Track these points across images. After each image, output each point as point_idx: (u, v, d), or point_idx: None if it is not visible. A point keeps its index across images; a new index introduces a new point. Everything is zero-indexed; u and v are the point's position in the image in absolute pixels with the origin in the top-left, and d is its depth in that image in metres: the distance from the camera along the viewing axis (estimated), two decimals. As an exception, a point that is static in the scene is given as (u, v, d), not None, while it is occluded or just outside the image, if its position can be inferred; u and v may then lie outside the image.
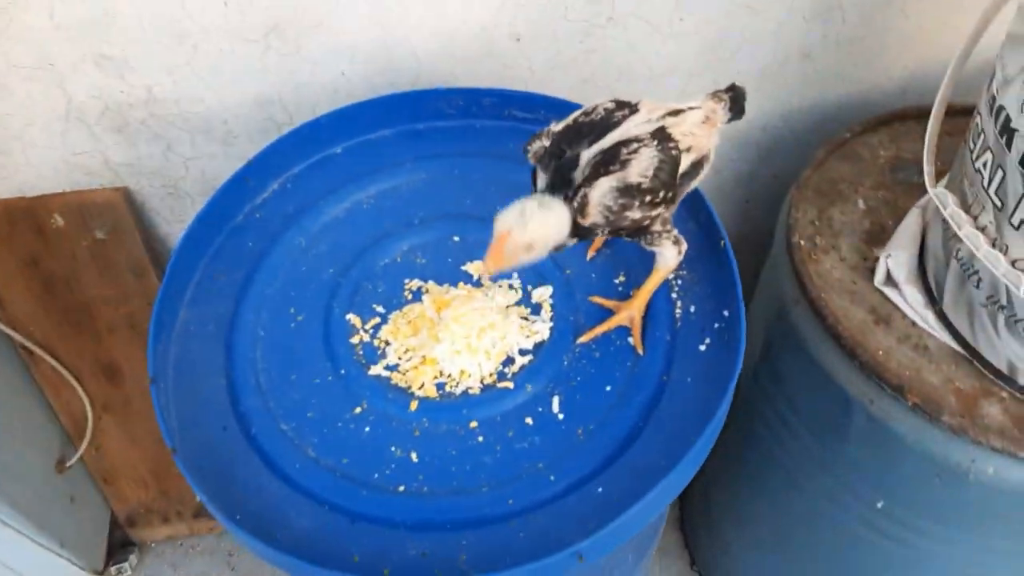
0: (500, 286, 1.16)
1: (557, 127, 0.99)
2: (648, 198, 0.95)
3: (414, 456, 1.02)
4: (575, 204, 0.93)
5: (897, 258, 1.29)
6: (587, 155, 0.95)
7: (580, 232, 0.96)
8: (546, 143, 0.98)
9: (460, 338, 1.08)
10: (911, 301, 1.27)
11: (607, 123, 0.97)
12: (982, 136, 1.10)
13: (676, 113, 1.00)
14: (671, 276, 1.17)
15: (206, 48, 1.41)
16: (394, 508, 0.97)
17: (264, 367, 1.12)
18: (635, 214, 0.95)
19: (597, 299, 1.14)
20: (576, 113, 1.00)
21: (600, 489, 0.97)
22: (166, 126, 1.52)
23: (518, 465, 0.99)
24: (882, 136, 1.53)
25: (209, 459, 1.03)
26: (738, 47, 1.52)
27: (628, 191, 0.93)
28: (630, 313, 1.11)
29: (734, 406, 1.55)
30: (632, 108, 0.99)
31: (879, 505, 1.31)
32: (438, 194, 1.30)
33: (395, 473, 1.00)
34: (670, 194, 0.97)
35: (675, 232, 1.03)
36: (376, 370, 1.09)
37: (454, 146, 1.36)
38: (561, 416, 1.04)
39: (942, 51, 1.59)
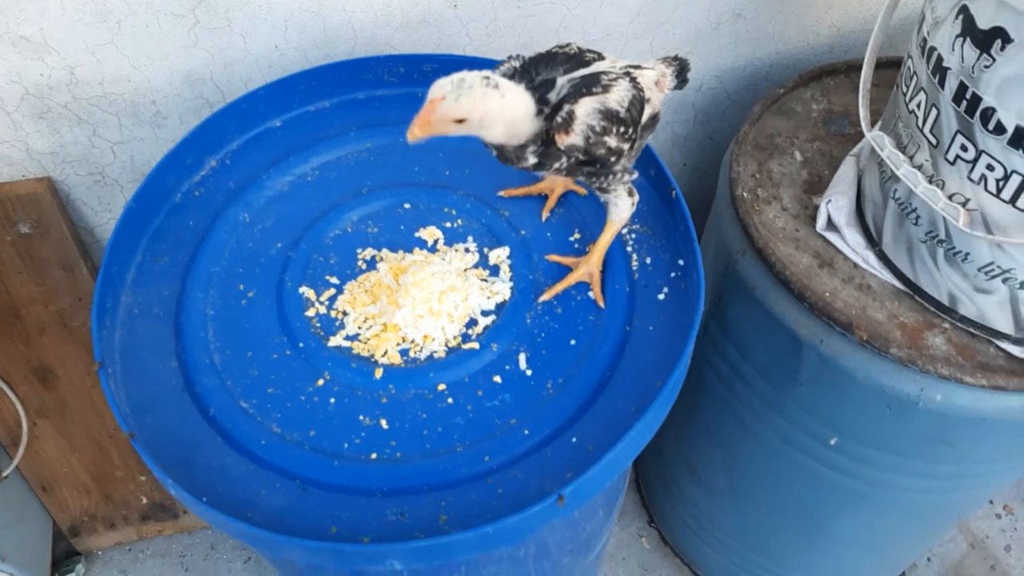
0: (456, 250, 1.15)
1: (530, 55, 0.98)
2: (622, 129, 0.96)
3: (384, 423, 1.00)
4: (559, 119, 0.92)
5: (836, 203, 1.33)
6: (563, 79, 0.95)
7: (547, 157, 0.96)
8: (516, 64, 0.97)
9: (421, 303, 1.07)
10: (852, 244, 1.31)
11: (580, 59, 0.98)
12: (915, 78, 1.14)
13: (636, 67, 1.02)
14: (625, 230, 1.18)
15: (131, 24, 1.35)
16: (368, 476, 0.96)
17: (218, 346, 1.08)
18: (612, 141, 0.95)
19: (554, 257, 1.15)
20: (551, 47, 1.00)
21: (574, 439, 0.97)
22: (91, 109, 1.46)
23: (491, 423, 0.99)
24: (813, 91, 1.57)
25: (169, 443, 0.99)
26: (673, 9, 1.54)
27: (609, 115, 0.94)
28: (588, 268, 1.12)
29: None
30: (599, 55, 1.00)
31: (832, 442, 1.35)
32: (384, 163, 1.27)
33: (366, 442, 0.99)
34: (634, 133, 0.99)
35: (630, 181, 1.04)
36: (336, 341, 1.07)
37: (397, 114, 1.34)
38: (529, 372, 1.04)
39: (865, 8, 1.64)
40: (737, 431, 1.52)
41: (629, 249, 1.16)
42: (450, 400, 1.01)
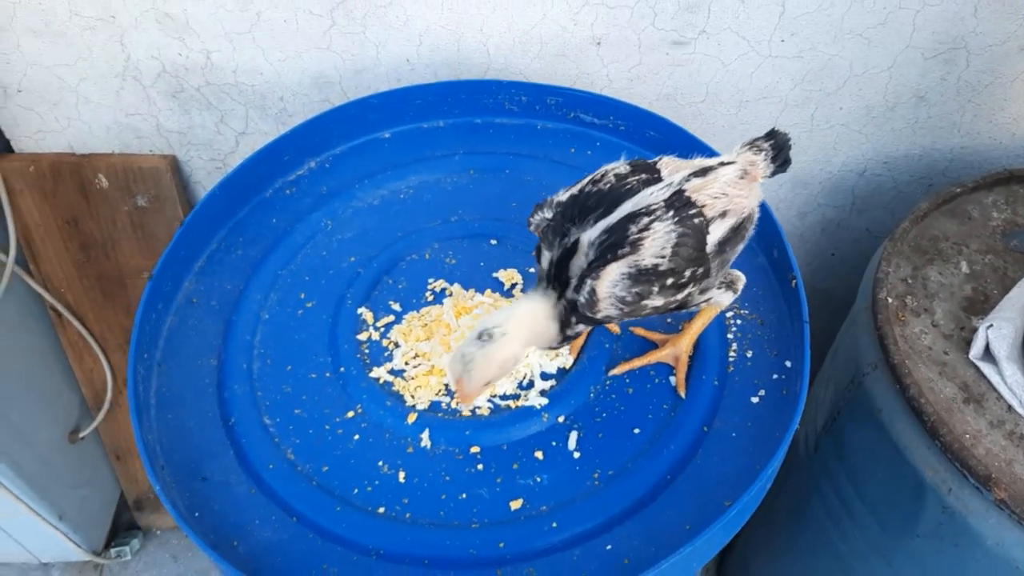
0: (533, 300, 1.03)
1: (562, 196, 0.84)
2: (670, 280, 0.78)
3: (402, 476, 0.89)
4: (581, 299, 0.78)
5: (1000, 330, 1.10)
6: (588, 237, 0.79)
7: (593, 323, 0.82)
8: (548, 215, 0.83)
9: (476, 350, 0.95)
10: (1011, 381, 1.07)
11: (617, 193, 0.81)
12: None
13: (703, 172, 0.82)
14: (729, 313, 1.01)
15: (270, 16, 1.34)
16: (370, 532, 0.84)
17: (260, 352, 1.01)
18: (656, 301, 0.79)
19: (640, 331, 1.00)
20: (584, 180, 0.84)
21: (609, 547, 0.81)
22: (221, 96, 1.46)
23: (518, 504, 0.85)
24: (997, 196, 1.34)
25: (180, 444, 0.92)
26: (845, 80, 1.36)
27: (644, 276, 0.77)
28: (675, 350, 0.96)
29: (788, 476, 1.38)
30: (652, 172, 0.83)
31: (945, 614, 1.11)
32: (482, 193, 1.18)
33: (377, 492, 0.87)
34: (700, 270, 0.80)
35: (729, 275, 0.88)
36: (378, 372, 0.97)
37: (510, 145, 1.24)
38: (577, 455, 0.89)
39: (1078, 109, 1.40)
40: (836, 570, 1.29)
41: (730, 336, 0.99)
42: (480, 466, 0.89)
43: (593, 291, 0.77)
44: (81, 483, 1.83)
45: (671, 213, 0.78)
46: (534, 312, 0.81)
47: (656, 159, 0.85)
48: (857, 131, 1.44)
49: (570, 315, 0.80)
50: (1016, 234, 1.29)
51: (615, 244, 0.77)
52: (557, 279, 0.81)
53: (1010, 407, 1.07)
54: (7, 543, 1.80)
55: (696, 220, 0.79)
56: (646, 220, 0.77)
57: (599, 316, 0.78)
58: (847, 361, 1.23)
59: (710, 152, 1.13)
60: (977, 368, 1.11)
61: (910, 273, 1.23)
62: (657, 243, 0.76)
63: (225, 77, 1.44)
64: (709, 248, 0.80)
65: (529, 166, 1.20)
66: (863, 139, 1.45)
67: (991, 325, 1.10)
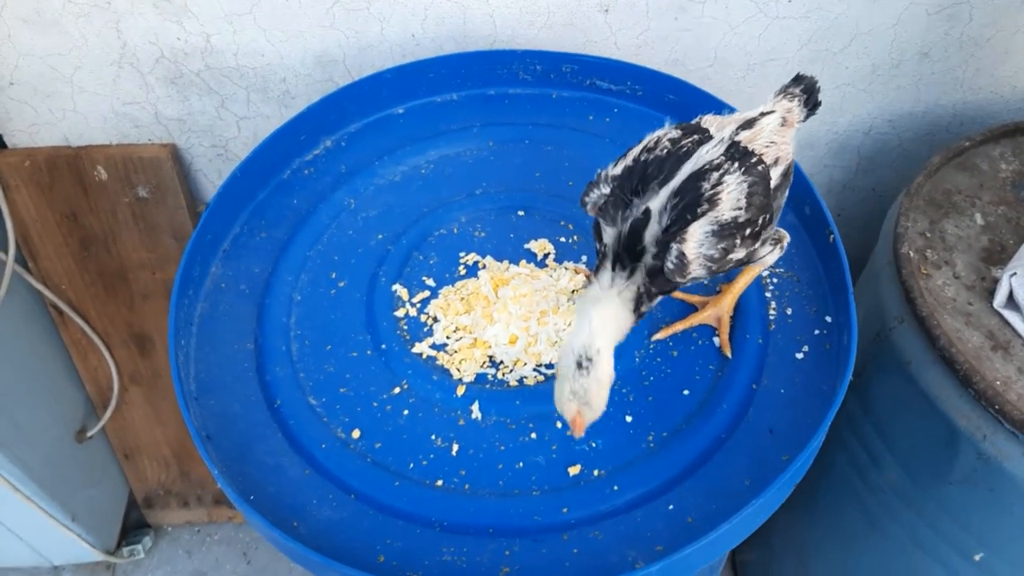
0: (566, 268, 1.03)
1: (615, 169, 0.82)
2: (749, 231, 0.79)
3: (455, 448, 0.88)
4: (669, 265, 0.77)
5: (1023, 278, 1.12)
6: (658, 204, 0.78)
7: (673, 288, 0.82)
8: (605, 191, 0.82)
9: (518, 320, 0.95)
10: (1038, 328, 1.10)
11: (676, 157, 0.80)
12: None
13: (749, 124, 0.83)
14: (766, 272, 1.02)
15: (271, -5, 1.31)
16: (430, 504, 0.84)
17: (298, 334, 1.00)
18: (739, 253, 0.80)
19: (680, 294, 1.00)
20: (636, 149, 0.83)
21: (671, 507, 0.82)
22: (221, 80, 1.43)
23: (576, 469, 0.85)
24: (1004, 148, 1.36)
25: (228, 430, 0.91)
26: (851, 38, 1.37)
27: (727, 231, 0.77)
28: (717, 311, 0.96)
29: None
30: (701, 132, 0.83)
31: (977, 558, 1.13)
32: (505, 165, 1.17)
33: (433, 465, 0.87)
34: (768, 216, 0.82)
35: (777, 232, 0.89)
36: (421, 348, 0.96)
37: (527, 115, 1.23)
38: (629, 419, 0.89)
39: (1079, 59, 1.42)
40: (863, 527, 1.31)
41: (768, 295, 1.00)
42: (533, 435, 0.88)
43: (682, 254, 0.76)
44: (91, 483, 1.80)
45: (736, 164, 0.79)
46: (611, 312, 0.80)
47: (698, 119, 0.85)
48: (863, 90, 1.45)
49: (648, 289, 0.80)
50: (1025, 184, 1.31)
51: (691, 204, 0.77)
52: (628, 253, 0.80)
53: (1037, 352, 1.09)
54: (18, 547, 1.77)
55: (760, 168, 0.80)
56: (716, 175, 0.78)
57: (688, 278, 0.78)
58: (870, 315, 1.25)
59: (731, 109, 1.13)
60: (1001, 316, 1.13)
61: (927, 227, 1.24)
62: (733, 195, 0.77)
63: (226, 60, 1.41)
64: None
65: (549, 135, 1.20)
66: (868, 98, 1.46)
67: (1015, 273, 1.12)
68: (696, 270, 0.77)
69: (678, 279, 0.78)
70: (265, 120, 1.50)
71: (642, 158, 0.82)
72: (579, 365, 0.76)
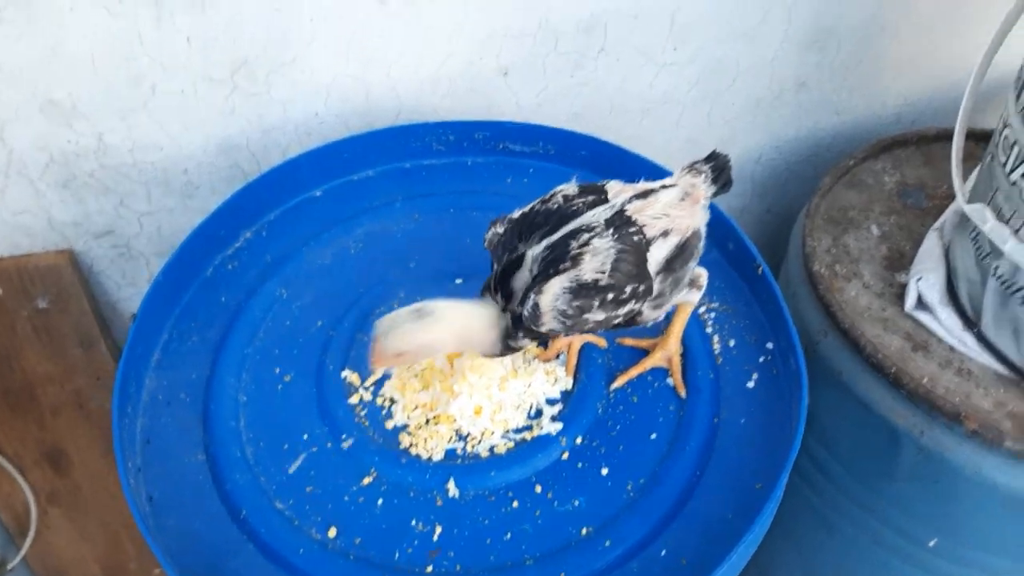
0: (516, 330, 1.04)
1: (516, 214, 0.87)
2: (611, 296, 0.81)
3: (438, 530, 0.87)
4: (525, 313, 0.80)
5: (928, 281, 1.21)
6: (533, 253, 0.83)
7: (539, 336, 0.85)
8: (500, 231, 0.87)
9: (480, 390, 0.95)
10: (947, 325, 1.19)
11: (564, 212, 0.84)
12: (1015, 148, 1.04)
13: (644, 195, 0.86)
14: (702, 309, 1.06)
15: (165, 89, 1.27)
16: (422, 593, 0.82)
17: (250, 437, 0.96)
18: (597, 316, 0.81)
19: (628, 340, 1.03)
20: (536, 200, 0.88)
21: (664, 552, 0.83)
22: (118, 178, 1.37)
23: (565, 531, 0.86)
24: (884, 163, 1.47)
25: (194, 549, 0.86)
26: (734, 78, 1.46)
27: (584, 291, 0.80)
28: (666, 352, 1.00)
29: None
30: (599, 193, 0.86)
31: (931, 544, 1.20)
32: (433, 235, 1.17)
33: (419, 551, 0.85)
34: (642, 287, 0.83)
35: (692, 273, 0.92)
36: (383, 433, 0.95)
37: (446, 184, 1.24)
38: (605, 471, 0.91)
39: (935, 76, 1.56)
40: (819, 532, 1.37)
41: (709, 330, 1.04)
42: (515, 503, 0.88)
43: (536, 305, 0.80)
44: (14, 621, 1.65)
45: (611, 231, 0.82)
46: (476, 314, 0.84)
47: (603, 182, 0.89)
48: (750, 122, 1.54)
49: (516, 328, 0.83)
50: (909, 193, 1.42)
51: (557, 259, 0.80)
52: (501, 291, 0.84)
53: (952, 348, 1.18)
54: None
55: (635, 238, 0.82)
56: (586, 236, 0.81)
57: (543, 329, 0.81)
58: (793, 333, 1.31)
59: (641, 160, 1.18)
60: (914, 319, 1.21)
61: (831, 244, 1.33)
62: (597, 259, 0.80)
63: (121, 157, 1.35)
64: (653, 266, 0.84)
65: (471, 201, 1.21)
66: (755, 129, 1.56)
67: (920, 278, 1.21)
68: (549, 322, 0.80)
69: (532, 327, 0.81)
70: (168, 213, 1.45)
71: (536, 208, 0.86)
72: (417, 310, 0.81)
